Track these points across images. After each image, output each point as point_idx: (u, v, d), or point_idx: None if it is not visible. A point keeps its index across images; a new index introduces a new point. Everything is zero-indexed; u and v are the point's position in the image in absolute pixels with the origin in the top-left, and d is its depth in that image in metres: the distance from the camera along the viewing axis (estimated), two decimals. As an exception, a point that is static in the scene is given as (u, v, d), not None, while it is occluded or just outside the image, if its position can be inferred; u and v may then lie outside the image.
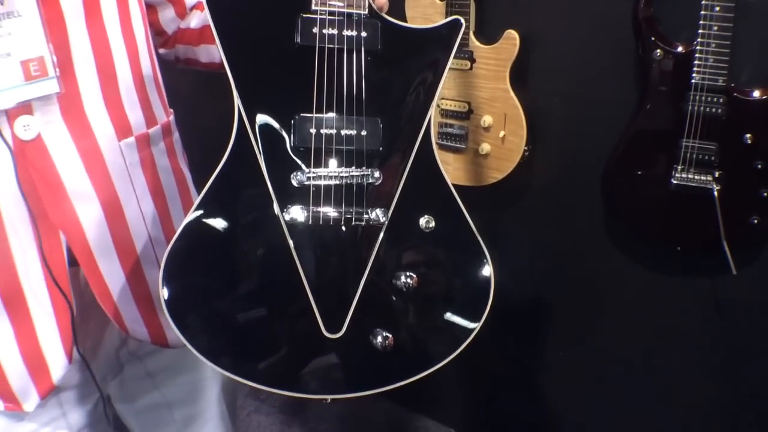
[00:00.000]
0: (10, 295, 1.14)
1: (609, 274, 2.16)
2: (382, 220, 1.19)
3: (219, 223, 1.16)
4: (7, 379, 1.17)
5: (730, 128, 1.77)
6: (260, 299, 1.18)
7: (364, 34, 1.20)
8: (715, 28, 1.70)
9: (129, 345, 1.39)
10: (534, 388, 2.44)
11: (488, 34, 2.06)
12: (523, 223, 2.27)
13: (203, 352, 1.12)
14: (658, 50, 1.79)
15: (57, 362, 1.19)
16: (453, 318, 1.24)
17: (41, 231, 1.13)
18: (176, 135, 1.42)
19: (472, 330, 1.23)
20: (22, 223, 1.12)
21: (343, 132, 1.19)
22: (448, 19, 1.26)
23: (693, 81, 1.75)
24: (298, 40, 1.18)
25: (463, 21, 1.27)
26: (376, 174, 1.20)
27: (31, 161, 1.10)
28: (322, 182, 1.18)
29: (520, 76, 2.06)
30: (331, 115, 1.19)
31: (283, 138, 1.18)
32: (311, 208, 1.17)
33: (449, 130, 2.14)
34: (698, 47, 1.73)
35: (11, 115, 1.08)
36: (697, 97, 1.76)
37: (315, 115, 1.18)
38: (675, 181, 1.83)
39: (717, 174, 1.80)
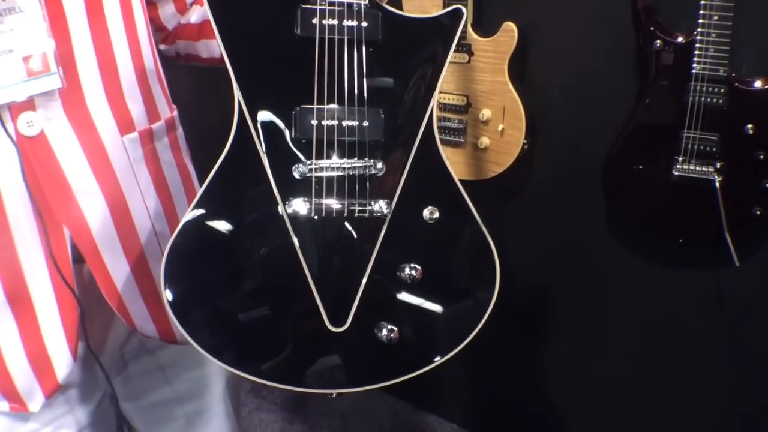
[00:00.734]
0: (15, 293, 1.13)
1: (610, 266, 2.15)
2: (385, 211, 1.18)
3: (220, 217, 1.14)
4: (12, 380, 1.16)
5: (731, 119, 1.76)
6: (263, 294, 1.17)
7: (364, 24, 1.19)
8: (716, 17, 1.69)
9: (134, 341, 1.37)
10: (535, 382, 2.43)
11: (486, 26, 2.06)
12: (523, 217, 2.27)
13: (207, 349, 1.11)
14: (658, 41, 1.78)
15: (62, 360, 1.17)
16: (459, 309, 1.23)
17: (48, 226, 1.12)
18: (180, 130, 1.41)
19: (478, 321, 1.21)
20: (27, 220, 1.11)
21: (345, 123, 1.17)
22: (450, 8, 1.25)
23: (693, 71, 1.75)
24: (298, 31, 1.16)
25: (464, 10, 1.25)
26: (379, 165, 1.18)
27: (34, 157, 1.09)
28: (324, 174, 1.16)
29: (519, 68, 2.05)
30: (333, 106, 1.17)
31: (284, 130, 1.16)
32: (313, 200, 1.16)
33: (447, 124, 2.13)
34: (698, 37, 1.72)
35: (14, 111, 1.07)
36: (698, 88, 1.75)
37: (316, 106, 1.16)
38: (676, 173, 1.82)
39: (718, 165, 1.79)
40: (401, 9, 2.12)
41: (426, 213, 1.21)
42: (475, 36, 2.03)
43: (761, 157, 1.75)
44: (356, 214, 1.17)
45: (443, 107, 2.12)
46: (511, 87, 2.00)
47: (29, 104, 1.08)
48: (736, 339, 2.02)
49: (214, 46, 1.44)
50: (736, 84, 1.74)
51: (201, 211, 1.13)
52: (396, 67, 1.23)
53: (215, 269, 1.15)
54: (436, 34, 1.25)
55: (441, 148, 1.24)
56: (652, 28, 1.79)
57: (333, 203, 1.16)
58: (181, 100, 1.45)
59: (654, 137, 1.85)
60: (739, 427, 2.09)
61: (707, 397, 2.11)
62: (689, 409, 2.15)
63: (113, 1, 1.19)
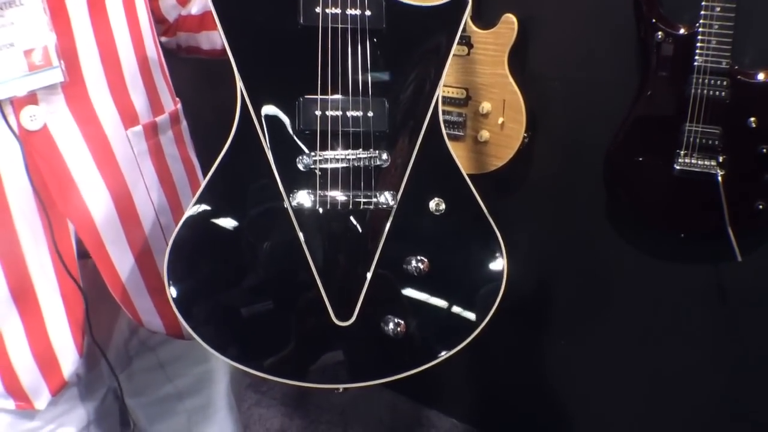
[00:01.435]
0: (20, 290, 1.12)
1: (612, 261, 2.14)
2: (391, 203, 1.16)
3: (223, 210, 1.13)
4: (18, 378, 1.14)
5: (734, 112, 1.75)
6: (268, 288, 1.15)
7: (368, 13, 1.17)
8: (718, 8, 1.68)
9: (139, 335, 1.36)
10: (536, 377, 2.42)
11: (486, 18, 2.04)
12: (525, 211, 2.26)
13: (212, 344, 1.10)
14: (660, 32, 1.77)
15: (68, 357, 1.16)
16: (466, 302, 1.21)
17: (53, 219, 1.11)
18: (184, 124, 1.40)
19: (486, 314, 1.20)
20: (31, 214, 1.10)
21: (349, 113, 1.16)
22: (454, -4, 1.23)
23: (695, 64, 1.73)
24: (301, 20, 1.15)
25: (469, -1, 1.24)
26: (384, 156, 1.17)
27: (38, 151, 1.09)
28: (329, 165, 1.15)
29: (519, 60, 2.04)
30: (337, 96, 1.16)
31: (288, 121, 1.15)
32: (318, 192, 1.14)
33: (447, 117, 2.11)
34: (700, 29, 1.71)
35: (16, 105, 1.06)
36: (700, 80, 1.74)
37: (320, 96, 1.15)
38: (678, 167, 1.81)
39: (721, 159, 1.78)
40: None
41: (432, 205, 1.20)
42: (474, 28, 2.02)
43: (764, 150, 1.73)
44: (361, 206, 1.16)
45: (443, 100, 2.07)
46: (511, 80, 1.99)
47: (32, 98, 1.07)
48: (739, 333, 2.01)
49: (216, 38, 1.43)
50: (739, 76, 1.72)
51: (203, 205, 1.11)
52: (400, 57, 1.21)
53: (219, 263, 1.14)
54: (440, 24, 1.23)
55: (447, 138, 1.22)
56: (653, 20, 1.77)
57: (338, 195, 1.15)
58: (184, 93, 1.44)
59: (655, 130, 1.84)
60: (741, 422, 2.08)
61: (709, 392, 2.11)
62: (690, 403, 2.14)
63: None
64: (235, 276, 1.14)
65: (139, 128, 1.22)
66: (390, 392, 2.71)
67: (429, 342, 1.20)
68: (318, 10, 1.15)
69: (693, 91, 1.75)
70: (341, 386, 1.17)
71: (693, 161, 1.80)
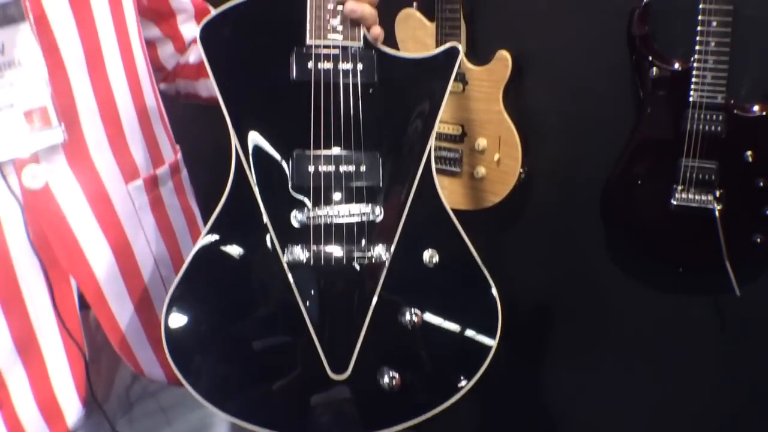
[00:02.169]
0: (25, 343, 1.12)
1: (611, 294, 2.13)
2: (384, 257, 1.17)
3: (219, 266, 1.14)
4: (23, 428, 1.15)
5: (730, 146, 1.74)
6: (264, 342, 1.16)
7: (360, 66, 1.18)
8: (713, 44, 1.67)
9: (141, 382, 1.37)
10: (536, 406, 2.41)
11: (480, 55, 2.04)
12: (523, 246, 2.25)
13: (210, 399, 1.11)
14: (654, 68, 1.77)
15: (72, 408, 1.17)
16: (461, 353, 1.22)
17: (52, 278, 1.11)
18: (184, 173, 1.41)
19: (480, 366, 1.21)
20: (33, 272, 1.10)
21: (342, 168, 1.16)
22: (446, 46, 1.24)
23: (691, 99, 1.73)
24: (294, 75, 1.15)
25: (460, 48, 1.25)
26: (377, 210, 1.17)
27: (39, 210, 1.09)
28: (323, 221, 1.15)
29: (514, 95, 2.03)
30: (329, 151, 1.17)
31: (282, 177, 1.15)
32: (312, 247, 1.15)
33: (443, 153, 2.11)
34: (695, 64, 1.70)
35: (18, 165, 1.07)
36: (696, 115, 1.73)
37: (313, 152, 1.16)
38: (675, 202, 1.80)
39: (718, 193, 1.77)
40: (394, 36, 2.11)
41: (426, 256, 1.20)
42: (469, 65, 2.02)
43: (761, 184, 1.73)
44: (356, 261, 1.16)
45: (439, 136, 2.10)
46: (506, 116, 1.98)
47: (33, 157, 1.08)
48: (738, 366, 2.00)
49: None
50: (735, 111, 1.72)
51: (199, 261, 1.13)
52: (393, 109, 1.22)
53: (215, 319, 1.14)
54: (432, 74, 1.24)
55: (440, 189, 1.23)
56: (648, 56, 1.77)
57: (332, 250, 1.15)
58: (183, 135, 1.45)
59: (652, 166, 1.84)
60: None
61: (708, 425, 2.10)
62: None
63: (113, 48, 1.19)
64: (231, 331, 1.15)
65: (139, 182, 1.23)
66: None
67: (424, 394, 1.21)
68: (310, 65, 1.16)
69: (689, 126, 1.74)
70: None
71: (690, 196, 1.79)
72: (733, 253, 1.79)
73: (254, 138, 1.15)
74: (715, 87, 1.70)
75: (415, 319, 1.18)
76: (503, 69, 1.96)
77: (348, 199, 1.17)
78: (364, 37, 1.19)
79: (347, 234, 1.16)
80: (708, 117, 1.72)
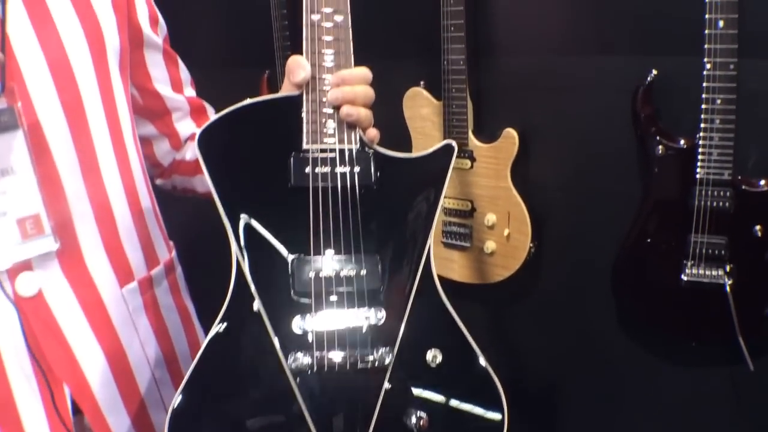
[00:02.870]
0: None
1: (622, 367, 2.11)
2: (387, 361, 1.17)
3: (222, 374, 1.14)
4: None
5: (739, 221, 1.73)
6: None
7: (357, 169, 1.18)
8: (718, 121, 1.67)
9: None
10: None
11: (487, 132, 2.05)
12: (534, 319, 2.23)
13: None
14: (660, 146, 1.76)
15: None
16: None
17: (48, 384, 1.11)
18: (179, 270, 1.41)
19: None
20: (27, 378, 1.11)
21: (343, 273, 1.16)
22: (441, 144, 1.24)
23: (697, 176, 1.72)
24: (291, 181, 1.16)
25: (455, 145, 1.25)
26: (379, 314, 1.17)
27: (33, 317, 1.10)
28: (325, 328, 1.15)
29: (522, 170, 2.04)
30: (329, 256, 1.17)
31: (283, 283, 1.15)
32: (315, 353, 1.15)
33: (453, 228, 2.11)
34: (701, 142, 1.69)
35: (11, 272, 1.08)
36: (703, 192, 1.72)
37: (313, 257, 1.16)
38: (685, 278, 1.79)
39: (728, 268, 1.76)
40: (402, 113, 2.13)
41: (429, 357, 1.19)
42: (476, 142, 2.03)
43: (772, 257, 1.72)
44: (359, 365, 1.16)
45: (448, 212, 2.11)
46: (514, 192, 1.99)
47: (26, 265, 1.08)
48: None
49: None
50: (743, 186, 1.71)
51: (201, 371, 1.12)
52: (391, 210, 1.22)
53: (219, 429, 1.14)
54: (429, 171, 1.25)
55: (439, 286, 1.22)
56: (653, 135, 1.77)
57: (335, 356, 1.15)
58: (177, 228, 1.45)
59: (661, 242, 1.82)
60: None
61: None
62: None
63: (108, 151, 1.20)
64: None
65: (134, 285, 1.24)
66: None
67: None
68: (307, 170, 1.16)
69: (696, 202, 1.73)
70: None
71: (700, 271, 1.78)
72: (746, 327, 1.77)
73: (254, 245, 1.15)
74: (722, 163, 1.69)
75: (420, 421, 1.17)
76: (511, 147, 1.97)
77: (349, 304, 1.17)
78: (361, 139, 1.19)
79: (350, 339, 1.16)
80: (715, 193, 1.72)
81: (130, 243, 1.23)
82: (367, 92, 1.20)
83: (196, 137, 1.14)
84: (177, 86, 1.45)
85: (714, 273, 1.77)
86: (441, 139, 2.08)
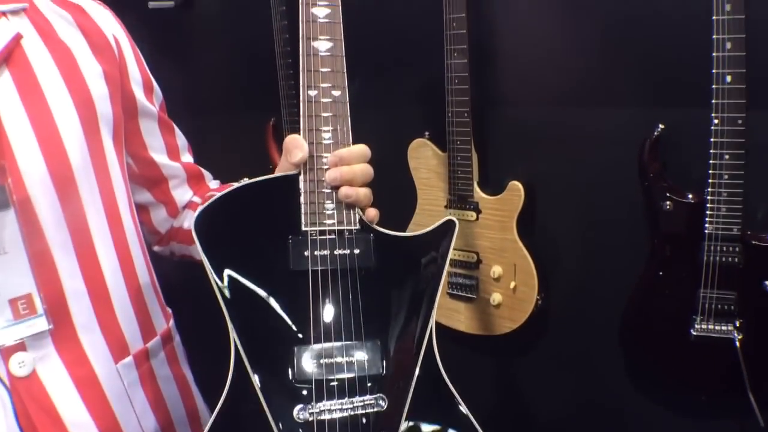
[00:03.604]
0: None
1: (631, 421, 2.09)
2: (389, 449, 1.14)
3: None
4: None
5: (748, 276, 1.70)
6: None
7: (356, 251, 1.16)
8: (726, 176, 1.65)
9: None
10: None
11: (493, 183, 2.04)
12: (540, 371, 2.21)
13: None
14: (668, 202, 1.74)
15: None
16: None
17: None
18: (177, 339, 1.40)
19: None
20: None
21: (344, 360, 1.14)
22: (441, 221, 1.22)
23: (706, 231, 1.70)
24: (290, 265, 1.14)
25: (456, 221, 1.23)
26: (381, 401, 1.15)
27: (27, 397, 1.08)
28: (326, 417, 1.13)
29: (528, 222, 2.02)
30: (330, 343, 1.15)
31: (282, 371, 1.13)
32: None
33: (459, 280, 2.10)
34: (709, 197, 1.67)
35: (5, 353, 1.06)
36: (712, 247, 1.70)
37: (313, 345, 1.14)
38: (695, 333, 1.77)
39: (738, 323, 1.73)
40: (407, 165, 2.11)
41: (432, 444, 1.17)
42: (481, 194, 2.01)
43: (781, 312, 1.69)
44: None
45: (453, 263, 2.09)
46: (520, 245, 1.97)
47: (20, 345, 1.07)
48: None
49: None
50: (752, 241, 1.69)
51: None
52: (392, 292, 1.20)
53: None
54: (430, 249, 1.23)
55: (442, 368, 1.20)
56: (661, 190, 1.75)
57: (337, 445, 1.13)
58: (175, 293, 1.44)
59: (670, 296, 1.80)
60: None
61: None
62: None
63: (102, 227, 1.19)
64: None
65: (129, 359, 1.22)
66: None
67: None
68: (306, 253, 1.14)
69: (705, 257, 1.71)
70: None
71: (709, 326, 1.75)
72: (756, 382, 1.75)
73: (253, 331, 1.14)
74: (730, 218, 1.67)
75: None
76: (516, 200, 1.96)
77: (351, 391, 1.14)
78: (360, 220, 1.17)
79: (351, 427, 1.14)
80: (724, 248, 1.70)
81: (125, 318, 1.22)
82: (366, 170, 1.18)
83: (192, 221, 1.13)
84: (173, 153, 1.44)
85: (723, 328, 1.75)
86: (446, 190, 2.07)
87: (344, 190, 1.15)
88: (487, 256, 2.04)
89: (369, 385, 1.15)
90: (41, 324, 1.08)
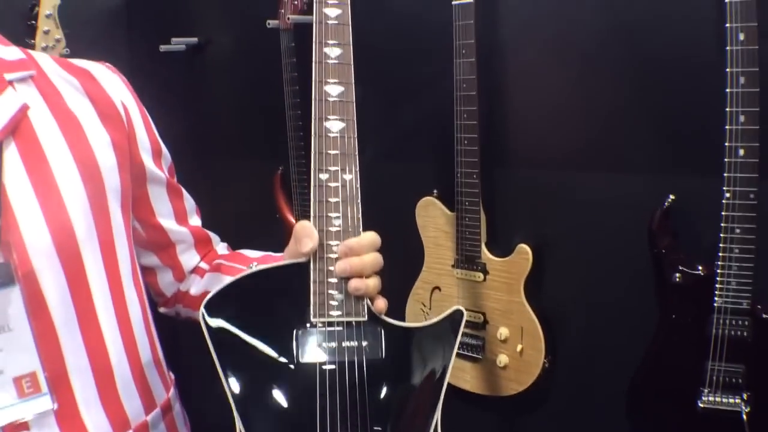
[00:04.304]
0: None
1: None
2: None
3: None
4: None
5: (757, 349, 1.69)
6: None
7: (365, 343, 1.15)
8: (737, 250, 1.64)
9: None
10: None
11: (501, 245, 2.03)
12: (546, 432, 2.20)
13: None
14: (678, 274, 1.73)
15: None
16: None
17: None
18: (177, 407, 1.39)
19: None
20: None
21: None
22: (449, 311, 1.22)
23: (715, 304, 1.69)
24: (298, 357, 1.13)
25: (464, 311, 1.22)
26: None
27: None
28: None
29: (536, 285, 2.01)
30: (337, 436, 1.13)
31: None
32: None
33: (465, 339, 2.09)
34: (719, 270, 1.66)
35: (8, 431, 1.05)
36: (721, 320, 1.69)
37: None
38: (702, 405, 1.75)
39: (745, 396, 1.72)
40: (414, 221, 2.10)
41: None
42: (489, 255, 2.00)
43: (790, 387, 1.68)
44: None
45: (459, 323, 2.08)
46: (528, 307, 1.96)
47: (23, 424, 1.06)
48: None
49: None
50: (762, 315, 1.67)
51: None
52: (400, 384, 1.19)
53: None
54: (438, 338, 1.22)
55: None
56: (672, 263, 1.74)
57: None
58: (178, 355, 1.43)
59: (678, 367, 1.79)
60: None
61: None
62: None
63: (106, 303, 1.18)
64: None
65: None
66: None
67: None
68: (314, 345, 1.14)
69: (714, 330, 1.70)
70: None
71: (717, 399, 1.74)
72: (763, 455, 1.73)
73: (258, 425, 1.13)
74: (740, 292, 1.66)
75: None
76: (524, 263, 1.95)
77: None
78: (369, 310, 1.16)
79: None
80: (734, 322, 1.68)
81: (127, 393, 1.21)
82: (376, 260, 1.17)
83: (201, 309, 1.12)
84: (181, 218, 1.44)
85: (731, 401, 1.73)
86: (453, 250, 2.06)
87: (354, 283, 1.14)
88: (494, 317, 2.03)
89: (376, 482, 1.14)
90: (45, 403, 1.07)
